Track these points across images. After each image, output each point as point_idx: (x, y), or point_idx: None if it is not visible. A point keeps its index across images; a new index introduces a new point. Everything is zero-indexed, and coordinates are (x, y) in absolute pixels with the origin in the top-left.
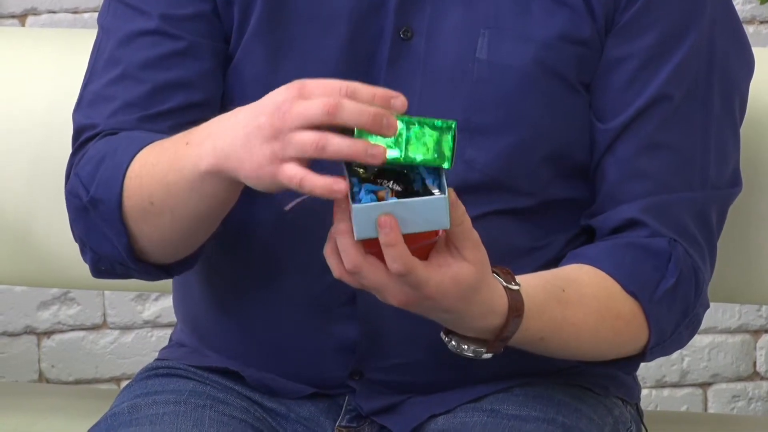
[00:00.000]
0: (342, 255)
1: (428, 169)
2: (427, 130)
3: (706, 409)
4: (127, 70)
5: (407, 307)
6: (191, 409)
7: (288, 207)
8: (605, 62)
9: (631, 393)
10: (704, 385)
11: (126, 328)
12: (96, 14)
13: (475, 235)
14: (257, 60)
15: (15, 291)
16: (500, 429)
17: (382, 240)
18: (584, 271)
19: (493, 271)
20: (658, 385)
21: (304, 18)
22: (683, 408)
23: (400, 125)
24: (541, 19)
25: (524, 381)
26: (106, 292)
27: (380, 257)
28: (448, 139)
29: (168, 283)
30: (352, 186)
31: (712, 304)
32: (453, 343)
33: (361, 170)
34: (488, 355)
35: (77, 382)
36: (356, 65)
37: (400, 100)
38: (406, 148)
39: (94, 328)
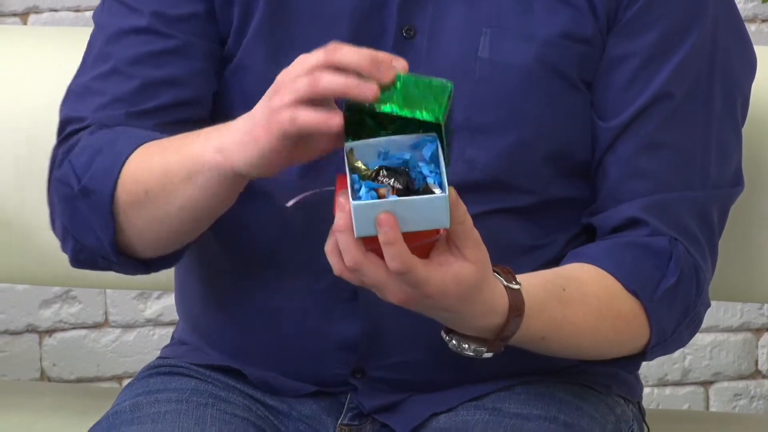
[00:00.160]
0: (342, 252)
1: (430, 167)
2: (424, 88)
3: (707, 407)
4: (117, 65)
5: (407, 305)
6: (193, 408)
7: (290, 203)
8: (607, 60)
9: (633, 391)
10: (706, 384)
11: (128, 326)
12: None
13: (476, 234)
14: (258, 60)
15: (17, 289)
16: (502, 427)
17: (381, 238)
18: (585, 270)
19: (494, 270)
20: (660, 384)
21: (306, 17)
22: (685, 406)
23: (397, 83)
24: (543, 18)
25: (526, 379)
26: (108, 291)
27: (381, 255)
28: (443, 98)
29: (170, 281)
30: (352, 183)
31: (713, 303)
32: (453, 342)
33: (363, 167)
34: (489, 355)
35: (79, 380)
36: None
37: (401, 63)
38: (403, 102)
39: (96, 326)
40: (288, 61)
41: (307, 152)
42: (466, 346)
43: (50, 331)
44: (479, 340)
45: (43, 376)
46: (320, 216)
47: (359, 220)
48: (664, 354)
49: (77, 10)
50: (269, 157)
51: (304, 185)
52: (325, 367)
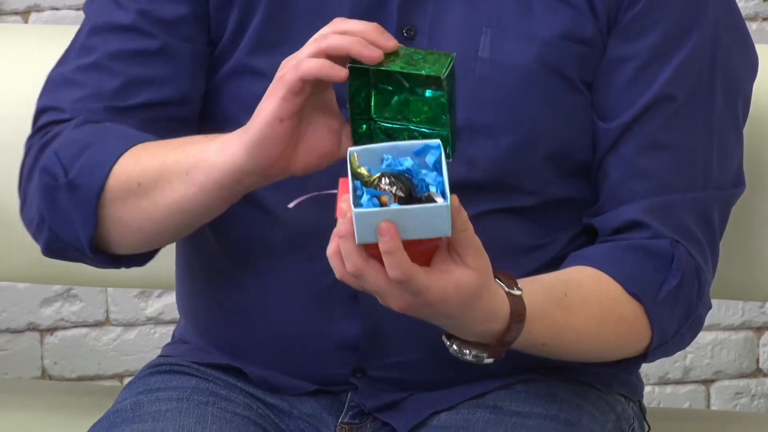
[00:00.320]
0: (344, 258)
1: (433, 174)
2: (425, 54)
3: (708, 405)
4: (99, 60)
5: (408, 312)
6: (194, 406)
7: (291, 205)
8: (607, 61)
9: (634, 390)
10: (707, 382)
11: (129, 324)
12: None
13: (478, 241)
14: (258, 61)
15: (18, 287)
16: (502, 425)
17: (381, 247)
18: (586, 273)
19: (496, 276)
20: (661, 382)
21: (305, 19)
22: (686, 405)
23: (400, 50)
24: (543, 18)
25: (526, 378)
26: (109, 289)
27: (383, 261)
28: (446, 60)
29: (171, 280)
30: (355, 190)
31: (715, 301)
32: (454, 347)
33: (366, 173)
34: (489, 360)
35: (80, 378)
36: None
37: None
38: (405, 64)
39: (97, 324)
40: None
41: (307, 152)
42: (467, 351)
43: (51, 330)
44: (480, 346)
45: (44, 375)
46: (322, 217)
47: (360, 227)
48: (664, 356)
49: (78, 9)
50: (271, 128)
51: (306, 187)
52: (326, 367)
